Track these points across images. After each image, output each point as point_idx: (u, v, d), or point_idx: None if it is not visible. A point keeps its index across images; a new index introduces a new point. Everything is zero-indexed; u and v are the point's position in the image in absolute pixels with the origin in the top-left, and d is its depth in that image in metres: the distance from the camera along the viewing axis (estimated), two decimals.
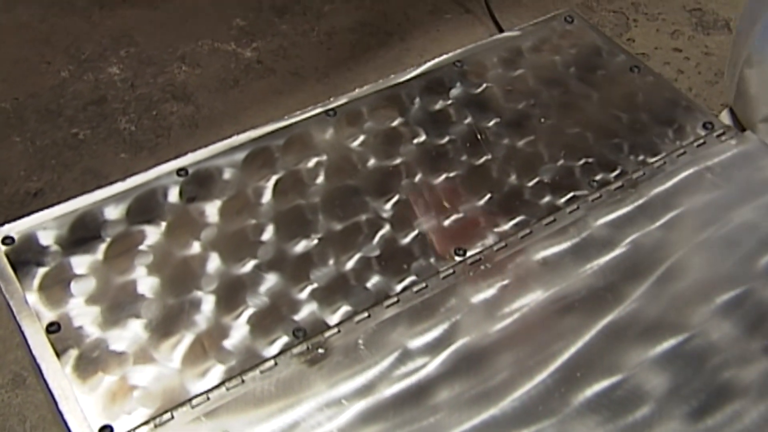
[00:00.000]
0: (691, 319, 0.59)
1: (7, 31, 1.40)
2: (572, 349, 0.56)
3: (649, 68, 0.81)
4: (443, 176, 0.68)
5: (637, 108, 0.76)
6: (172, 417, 0.52)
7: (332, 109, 0.72)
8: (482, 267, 0.61)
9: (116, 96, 1.33)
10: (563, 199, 0.67)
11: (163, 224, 0.64)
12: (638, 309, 0.59)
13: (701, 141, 0.73)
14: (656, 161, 0.71)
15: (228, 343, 0.56)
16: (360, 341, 0.56)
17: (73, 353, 0.55)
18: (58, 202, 0.65)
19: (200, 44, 1.42)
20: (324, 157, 0.69)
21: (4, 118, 1.25)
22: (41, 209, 0.64)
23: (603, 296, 0.60)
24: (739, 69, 1.01)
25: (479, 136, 0.72)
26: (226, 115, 1.37)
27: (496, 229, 0.64)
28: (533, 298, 0.59)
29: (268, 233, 0.63)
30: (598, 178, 0.69)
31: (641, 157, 0.71)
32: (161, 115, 1.27)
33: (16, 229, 0.63)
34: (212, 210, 0.64)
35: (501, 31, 0.94)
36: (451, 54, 0.81)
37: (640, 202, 0.67)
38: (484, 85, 0.77)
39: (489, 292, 0.59)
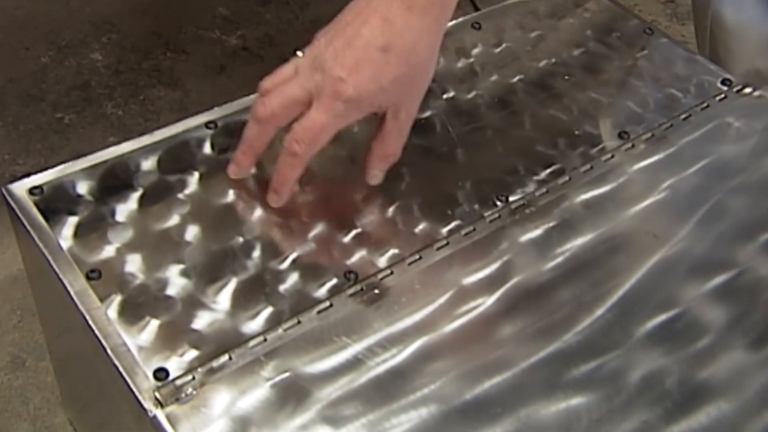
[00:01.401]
0: (737, 256, 0.58)
1: None
2: (626, 286, 0.56)
3: (661, 31, 0.82)
4: (473, 128, 0.68)
5: (656, 67, 0.76)
6: (230, 358, 0.49)
7: None
8: (527, 211, 0.60)
9: (100, 81, 1.29)
10: (596, 149, 0.67)
11: (197, 174, 0.61)
12: (684, 248, 0.59)
13: (722, 95, 0.73)
14: (681, 114, 0.71)
15: (278, 287, 0.54)
16: (414, 281, 0.55)
17: (117, 299, 0.52)
18: (84, 155, 0.63)
19: (184, 31, 1.39)
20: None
21: None
22: (67, 161, 0.62)
23: (648, 237, 0.59)
24: (707, 42, 1.02)
25: (505, 93, 0.72)
26: (216, 100, 1.34)
27: (534, 177, 0.64)
28: (581, 238, 0.58)
29: (309, 183, 0.61)
30: (627, 129, 0.69)
31: (667, 111, 0.71)
32: (149, 100, 1.24)
33: (43, 179, 0.59)
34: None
35: (477, 9, 0.94)
36: (468, 16, 0.81)
37: (671, 150, 0.67)
38: (504, 45, 0.77)
39: (536, 233, 0.58)
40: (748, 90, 0.74)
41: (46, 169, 0.61)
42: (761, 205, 0.63)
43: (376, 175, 0.61)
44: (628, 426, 0.48)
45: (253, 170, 0.61)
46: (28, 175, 0.60)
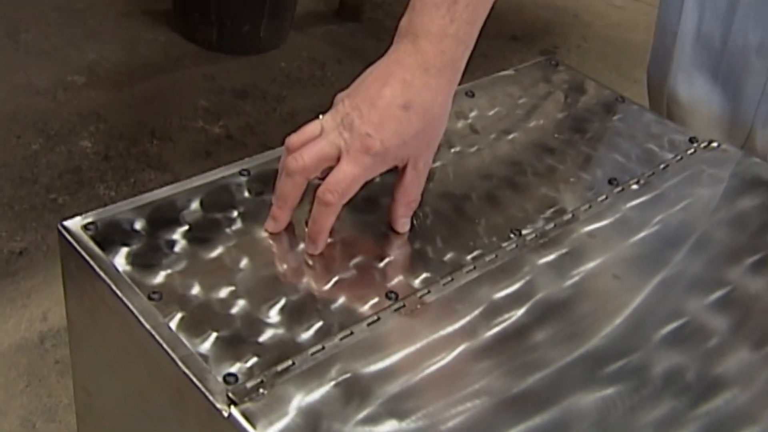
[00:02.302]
0: (728, 276, 0.65)
1: None
2: (637, 300, 0.61)
3: (630, 99, 0.91)
4: (481, 176, 0.74)
5: (631, 128, 0.85)
6: (293, 363, 0.52)
7: None
8: (540, 241, 0.66)
9: (91, 166, 1.32)
10: (591, 192, 0.73)
11: (236, 212, 0.65)
12: (682, 270, 0.65)
13: (692, 150, 0.81)
14: (660, 164, 0.78)
15: (326, 305, 0.57)
16: (451, 298, 0.59)
17: (179, 315, 0.55)
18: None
19: (169, 122, 1.44)
20: None
21: None
22: (114, 203, 0.65)
23: (649, 261, 0.65)
24: (663, 115, 1.12)
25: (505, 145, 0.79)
26: None
27: (541, 216, 0.69)
28: (591, 262, 0.64)
29: (342, 219, 0.65)
30: (616, 177, 0.76)
31: (647, 162, 0.79)
32: (140, 182, 1.27)
33: (95, 216, 0.62)
34: None
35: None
36: (462, 86, 0.88)
37: (657, 192, 0.74)
38: (497, 109, 0.85)
39: (551, 258, 0.64)
40: (714, 144, 0.82)
41: (92, 209, 0.64)
42: (740, 235, 0.70)
43: (404, 223, 0.66)
44: (658, 412, 0.52)
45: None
46: (79, 214, 0.63)
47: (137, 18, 1.82)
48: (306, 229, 0.63)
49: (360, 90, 0.62)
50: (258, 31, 1.72)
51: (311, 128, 0.64)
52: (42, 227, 1.16)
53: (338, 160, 0.61)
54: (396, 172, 0.65)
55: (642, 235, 0.68)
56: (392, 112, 0.61)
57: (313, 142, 0.62)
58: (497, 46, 1.90)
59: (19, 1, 1.84)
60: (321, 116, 0.65)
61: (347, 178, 0.60)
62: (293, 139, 0.63)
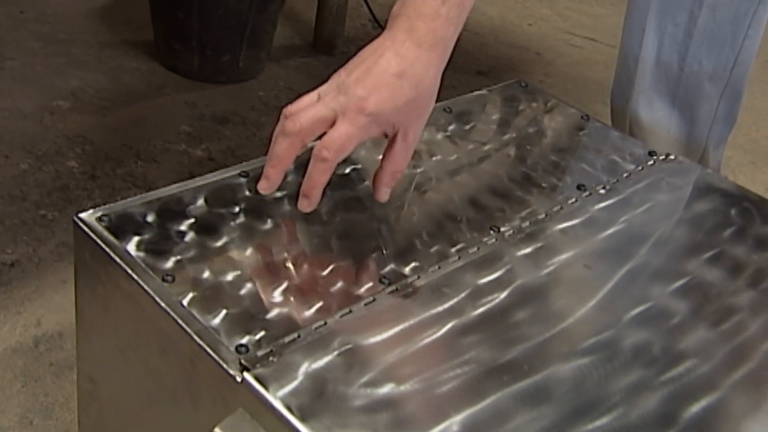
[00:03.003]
0: (687, 267, 0.70)
1: None
2: (608, 286, 0.66)
3: (595, 118, 0.97)
4: (460, 181, 0.79)
5: (596, 142, 0.91)
6: (299, 336, 0.56)
7: None
8: (518, 236, 0.71)
9: (78, 185, 1.34)
10: (561, 196, 0.79)
11: (238, 208, 0.69)
12: (646, 262, 0.70)
13: (652, 162, 0.88)
14: (624, 173, 0.84)
15: (325, 288, 0.61)
16: (439, 282, 0.63)
17: (191, 295, 0.58)
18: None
19: (153, 144, 1.47)
20: (359, 165, 0.78)
21: None
22: (123, 199, 0.68)
23: (617, 254, 0.71)
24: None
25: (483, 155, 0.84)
26: None
27: (517, 215, 0.74)
28: (565, 253, 0.69)
29: (335, 215, 0.70)
30: (584, 183, 0.81)
31: (612, 171, 0.85)
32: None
33: (108, 210, 0.66)
34: (281, 198, 0.70)
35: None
36: (440, 103, 0.94)
37: (622, 197, 0.80)
38: (472, 123, 0.90)
39: (529, 250, 0.68)
40: (671, 157, 0.89)
41: (104, 204, 0.67)
42: (696, 233, 0.76)
43: (385, 192, 0.69)
44: (629, 379, 0.56)
45: (287, 208, 0.70)
46: (92, 207, 0.66)
47: (120, 48, 1.85)
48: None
49: (356, 62, 0.66)
50: (237, 60, 1.76)
51: (308, 97, 0.66)
52: (33, 240, 1.18)
53: (333, 124, 0.64)
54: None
55: (609, 232, 0.73)
56: (386, 79, 0.64)
57: (310, 107, 0.65)
58: (464, 79, 1.98)
59: (2, 32, 1.86)
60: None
61: (342, 136, 0.63)
62: (290, 107, 0.66)
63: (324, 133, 0.65)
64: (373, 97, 0.63)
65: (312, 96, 0.67)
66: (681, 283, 0.68)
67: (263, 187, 0.67)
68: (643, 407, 0.54)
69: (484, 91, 0.98)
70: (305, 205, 0.66)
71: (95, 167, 1.38)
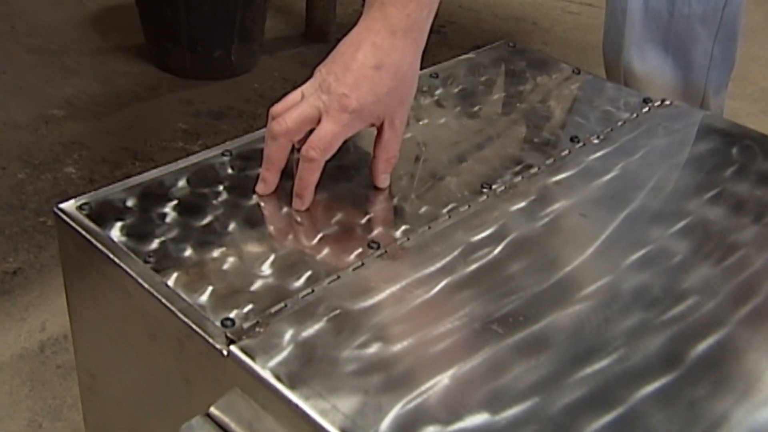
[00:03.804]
0: (688, 208, 0.68)
1: None
2: (605, 233, 0.64)
3: (586, 71, 0.95)
4: (450, 143, 0.77)
5: (588, 94, 0.89)
6: (285, 305, 0.54)
7: None
8: (510, 191, 0.69)
9: (77, 190, 1.34)
10: (555, 150, 0.77)
11: (222, 187, 0.68)
12: (645, 205, 0.68)
13: (647, 108, 0.85)
14: (618, 122, 0.82)
15: (313, 256, 0.60)
16: (430, 242, 0.62)
17: (175, 275, 0.57)
18: (119, 180, 0.68)
19: (149, 144, 1.47)
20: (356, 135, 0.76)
21: None
22: (106, 185, 0.67)
23: (613, 201, 0.69)
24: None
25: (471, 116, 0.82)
26: None
27: (509, 171, 0.73)
28: (558, 204, 0.67)
29: (323, 185, 0.68)
30: (577, 136, 0.79)
31: (606, 122, 0.82)
32: None
33: (88, 198, 0.65)
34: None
35: None
36: (426, 70, 0.92)
37: (616, 145, 0.77)
38: (460, 86, 0.88)
39: (521, 205, 0.67)
40: (667, 103, 0.86)
41: (84, 193, 0.66)
42: (696, 175, 0.74)
43: (384, 179, 0.69)
44: (629, 322, 0.55)
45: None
46: (74, 196, 0.65)
47: (111, 54, 1.85)
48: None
49: (335, 58, 0.66)
50: (229, 55, 1.75)
51: (293, 96, 0.67)
52: (34, 247, 1.17)
53: (319, 121, 0.64)
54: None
55: (605, 179, 0.71)
56: (365, 72, 0.64)
57: (294, 107, 0.65)
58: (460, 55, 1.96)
59: None
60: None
61: (328, 135, 0.64)
62: (277, 107, 0.67)
63: (312, 130, 0.65)
64: (354, 93, 0.64)
65: (296, 95, 0.67)
66: (682, 224, 0.66)
67: (260, 189, 0.68)
68: (646, 349, 0.52)
69: (471, 54, 0.96)
70: (299, 205, 0.66)
71: (93, 171, 1.37)
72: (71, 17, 2.05)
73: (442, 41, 2.13)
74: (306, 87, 0.67)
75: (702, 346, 0.53)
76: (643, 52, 1.10)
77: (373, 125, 0.68)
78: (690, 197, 0.70)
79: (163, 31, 1.73)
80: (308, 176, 0.65)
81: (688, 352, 0.53)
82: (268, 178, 0.67)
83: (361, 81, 0.64)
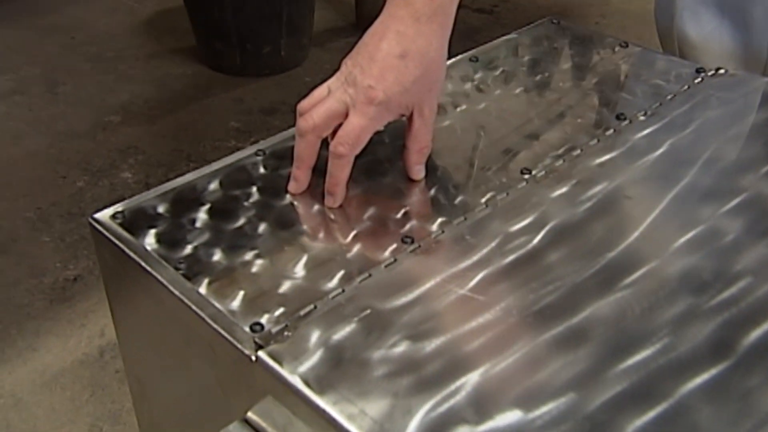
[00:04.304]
0: (742, 184, 0.64)
1: (19, 159, 1.46)
2: (651, 216, 0.61)
3: (634, 43, 0.91)
4: (489, 128, 0.75)
5: (636, 68, 0.85)
6: (315, 307, 0.54)
7: None
8: (550, 176, 0.67)
9: (133, 194, 1.36)
10: (599, 129, 0.74)
11: (255, 187, 0.68)
12: (695, 183, 0.64)
13: (700, 79, 0.81)
14: (668, 95, 0.78)
15: (345, 255, 0.59)
16: (465, 234, 0.60)
17: (206, 280, 0.57)
18: (152, 187, 0.69)
19: (203, 145, 1.49)
20: (382, 128, 0.75)
21: (31, 224, 1.28)
22: (138, 194, 0.68)
23: (661, 180, 0.65)
24: (676, 56, 1.11)
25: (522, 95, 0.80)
26: None
27: (551, 154, 0.70)
28: (602, 187, 0.64)
29: (353, 181, 0.67)
30: (624, 112, 0.76)
31: (655, 96, 0.79)
32: None
33: (122, 207, 0.66)
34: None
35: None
36: (465, 54, 0.90)
37: (666, 120, 0.74)
38: (500, 69, 0.86)
39: (562, 190, 0.64)
40: (721, 71, 0.82)
41: (118, 201, 0.67)
42: (754, 147, 0.70)
43: (419, 170, 0.68)
44: (676, 309, 0.52)
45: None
46: (108, 206, 0.66)
47: (165, 57, 1.89)
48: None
49: (360, 49, 0.65)
50: (279, 50, 1.76)
51: (319, 91, 0.66)
52: (92, 254, 1.20)
53: (346, 116, 0.63)
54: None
55: (652, 158, 0.68)
56: (390, 62, 0.63)
57: (321, 102, 0.64)
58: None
59: (55, 59, 1.92)
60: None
61: (356, 129, 0.63)
62: (303, 103, 0.66)
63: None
64: (380, 85, 0.62)
65: (322, 90, 0.66)
66: (736, 202, 0.62)
67: (292, 188, 0.67)
68: (693, 337, 0.49)
69: (513, 35, 0.94)
70: (330, 202, 0.65)
71: (148, 175, 1.40)
72: (126, 23, 2.09)
73: (495, 21, 2.09)
74: (332, 81, 0.66)
75: (756, 333, 0.50)
76: (698, 15, 1.05)
77: (402, 116, 0.66)
78: (745, 172, 0.66)
79: (212, 32, 1.75)
80: (338, 173, 0.64)
81: (739, 339, 0.49)
82: (300, 177, 0.67)
83: (386, 71, 0.63)
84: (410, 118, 0.66)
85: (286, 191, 0.67)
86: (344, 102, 0.64)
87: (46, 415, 0.88)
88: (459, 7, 0.68)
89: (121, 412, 0.90)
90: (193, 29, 1.83)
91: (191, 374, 0.61)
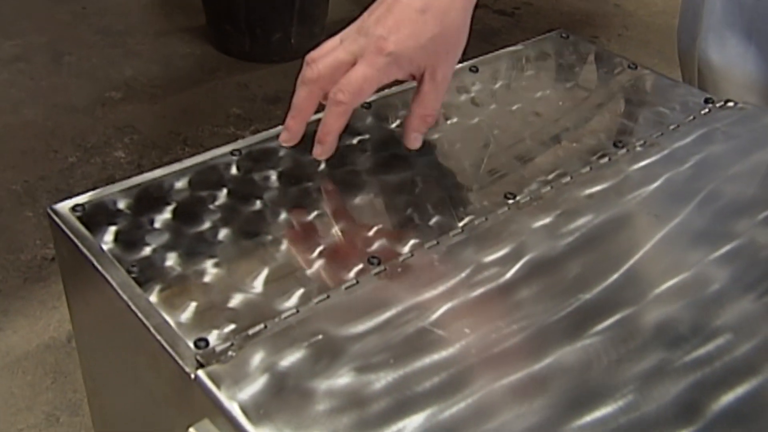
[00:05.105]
0: (736, 228, 0.61)
1: (14, 128, 1.44)
2: (635, 256, 0.58)
3: (643, 65, 0.87)
4: (480, 145, 0.72)
5: (642, 93, 0.82)
6: (265, 327, 0.51)
7: (368, 103, 0.76)
8: (534, 204, 0.64)
9: (124, 175, 1.34)
10: (594, 156, 0.71)
11: (225, 190, 0.65)
12: (686, 224, 0.61)
13: (706, 110, 0.78)
14: (671, 125, 0.75)
15: (306, 272, 0.57)
16: (435, 261, 0.57)
17: (157, 287, 0.55)
18: (120, 180, 0.67)
19: (201, 129, 1.47)
20: (367, 136, 0.72)
21: (16, 197, 1.26)
22: (105, 185, 0.66)
23: (651, 217, 0.62)
24: (695, 82, 1.08)
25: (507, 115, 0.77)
26: None
27: (538, 179, 0.67)
28: (587, 220, 0.61)
29: (327, 192, 0.65)
30: (621, 139, 0.73)
31: (657, 125, 0.76)
32: None
33: (84, 199, 0.63)
34: (271, 177, 0.66)
35: None
36: (465, 63, 0.87)
37: (665, 152, 0.71)
38: (500, 82, 0.83)
39: (546, 219, 0.61)
40: (730, 104, 0.79)
41: (82, 192, 0.65)
42: (753, 188, 0.66)
43: (416, 138, 0.65)
44: (646, 364, 0.49)
45: (275, 184, 0.65)
46: (69, 197, 0.64)
47: (175, 35, 1.86)
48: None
49: (379, 1, 0.62)
50: (289, 37, 1.73)
51: (331, 42, 0.64)
52: None
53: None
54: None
55: (644, 193, 0.65)
56: (408, 14, 0.60)
57: (329, 53, 0.62)
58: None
59: (63, 28, 1.90)
60: None
61: (359, 78, 0.60)
62: (313, 53, 0.64)
63: None
64: (393, 36, 0.60)
65: (334, 40, 0.64)
66: (726, 248, 0.59)
67: (283, 138, 0.65)
68: (660, 396, 0.47)
69: (518, 46, 0.91)
70: (319, 152, 0.63)
71: (142, 156, 1.38)
72: None
73: (515, 24, 2.06)
74: (346, 31, 0.64)
75: (727, 398, 0.47)
76: (722, 39, 1.01)
77: (412, 77, 0.64)
78: (741, 216, 0.63)
79: (222, 14, 1.73)
80: (333, 121, 0.62)
81: (709, 403, 0.47)
82: (293, 127, 0.64)
83: (402, 23, 0.60)
84: (420, 80, 0.64)
85: (245, 170, 0.65)
86: (353, 53, 0.61)
87: (3, 399, 0.87)
88: (477, 5, 0.66)
89: (82, 403, 0.88)
90: (204, 9, 1.81)
91: (139, 381, 0.59)
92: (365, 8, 0.66)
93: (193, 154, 0.68)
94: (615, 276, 0.56)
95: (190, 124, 1.49)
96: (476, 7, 0.68)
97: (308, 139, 0.69)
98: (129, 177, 0.66)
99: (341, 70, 0.61)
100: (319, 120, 0.67)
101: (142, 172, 0.67)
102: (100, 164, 1.36)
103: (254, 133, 1.50)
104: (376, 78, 0.61)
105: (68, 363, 0.94)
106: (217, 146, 0.71)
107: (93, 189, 0.65)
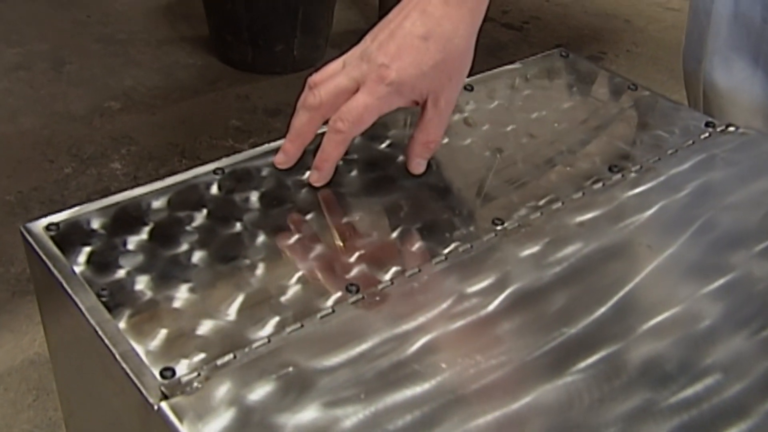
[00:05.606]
0: (731, 261, 0.59)
1: (10, 137, 1.44)
2: (626, 288, 0.56)
3: (644, 86, 0.86)
4: (469, 168, 0.70)
5: (642, 115, 0.80)
6: (234, 357, 0.50)
7: None
8: (522, 230, 0.62)
9: (119, 187, 1.34)
10: (588, 181, 0.69)
11: (205, 211, 0.64)
12: (679, 256, 0.60)
13: (707, 134, 0.76)
14: (669, 150, 0.73)
15: (282, 299, 0.55)
16: (415, 290, 0.56)
17: (127, 312, 0.53)
18: (98, 198, 0.66)
19: (199, 141, 1.46)
20: (355, 156, 0.71)
21: (9, 208, 1.25)
22: (81, 203, 0.65)
23: (643, 248, 0.61)
24: (700, 105, 1.06)
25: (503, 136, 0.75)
26: None
27: (528, 204, 0.66)
28: (576, 250, 0.60)
29: (310, 214, 0.63)
30: (617, 164, 0.71)
31: (655, 149, 0.74)
32: None
33: (59, 218, 0.62)
34: (252, 198, 0.65)
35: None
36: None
37: (661, 179, 0.69)
38: (496, 102, 0.81)
39: (534, 248, 0.60)
40: (731, 129, 0.77)
41: (59, 210, 0.64)
42: (751, 219, 0.65)
43: (419, 164, 0.64)
44: (630, 404, 0.47)
45: (257, 206, 0.64)
46: (44, 215, 0.63)
47: (177, 44, 1.86)
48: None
49: (383, 25, 0.62)
50: (292, 49, 1.73)
51: (334, 65, 0.64)
52: None
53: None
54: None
55: (638, 221, 0.63)
56: (410, 42, 0.59)
57: (331, 78, 0.61)
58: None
59: (66, 36, 1.91)
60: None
61: (359, 106, 0.59)
62: (315, 76, 0.63)
63: None
64: (395, 64, 0.59)
65: (337, 64, 0.63)
66: (720, 282, 0.57)
67: (279, 161, 0.65)
68: None
69: (516, 64, 0.89)
70: (315, 179, 0.63)
71: (138, 168, 1.38)
72: (143, 6, 2.07)
73: (523, 39, 2.04)
74: (348, 55, 0.63)
75: None
76: (729, 62, 0.99)
77: (416, 103, 0.63)
78: (737, 248, 0.61)
79: (224, 24, 1.72)
80: (331, 149, 0.61)
81: None
82: (290, 151, 0.64)
83: (404, 51, 0.60)
84: (423, 106, 0.63)
85: (227, 191, 0.64)
86: (355, 79, 0.60)
87: None
88: (486, 18, 0.65)
89: (62, 422, 0.87)
90: (207, 19, 1.80)
91: (107, 406, 0.58)
92: (370, 21, 0.65)
93: (190, 167, 0.67)
94: (602, 310, 0.55)
95: (188, 135, 1.48)
96: (484, 20, 0.67)
97: (302, 158, 0.68)
98: (122, 191, 0.65)
99: (343, 96, 0.61)
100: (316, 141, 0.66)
101: (138, 185, 0.66)
102: (95, 176, 1.35)
103: (252, 147, 1.50)
104: (377, 107, 0.60)
105: (51, 380, 0.93)
106: (204, 163, 0.70)
107: (71, 207, 0.64)
